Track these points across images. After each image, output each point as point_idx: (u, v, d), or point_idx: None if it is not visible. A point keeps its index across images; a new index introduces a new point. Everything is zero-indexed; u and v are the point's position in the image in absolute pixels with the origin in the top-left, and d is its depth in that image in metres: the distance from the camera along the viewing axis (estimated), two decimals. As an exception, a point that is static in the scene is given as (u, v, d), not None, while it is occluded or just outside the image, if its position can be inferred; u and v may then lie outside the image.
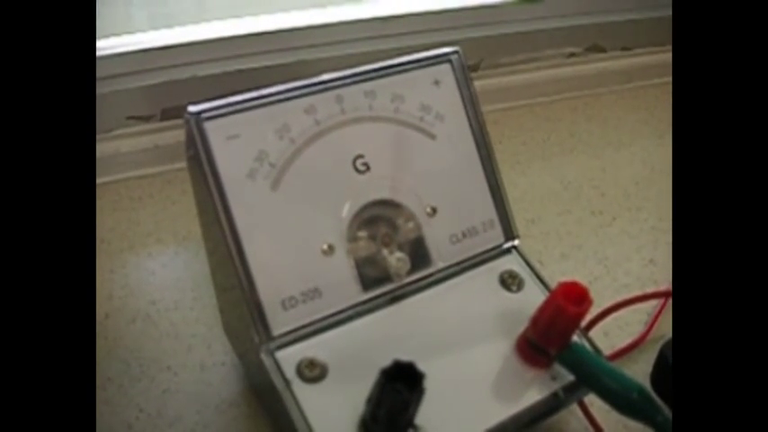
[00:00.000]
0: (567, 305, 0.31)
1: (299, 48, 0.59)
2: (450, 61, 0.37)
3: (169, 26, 0.56)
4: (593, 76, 0.69)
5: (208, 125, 0.32)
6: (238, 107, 0.32)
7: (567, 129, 0.64)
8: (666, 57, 0.73)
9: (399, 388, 0.27)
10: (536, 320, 0.33)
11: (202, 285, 0.46)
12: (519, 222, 0.53)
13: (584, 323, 0.38)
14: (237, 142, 0.32)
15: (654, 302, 0.46)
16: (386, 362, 0.29)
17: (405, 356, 0.30)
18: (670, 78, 0.73)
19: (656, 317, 0.45)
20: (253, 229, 0.32)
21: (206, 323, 0.44)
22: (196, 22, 0.57)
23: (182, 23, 0.57)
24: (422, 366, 0.30)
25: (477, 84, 0.65)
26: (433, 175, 0.36)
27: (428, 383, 0.30)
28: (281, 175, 0.33)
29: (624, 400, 0.32)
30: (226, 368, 0.42)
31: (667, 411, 0.32)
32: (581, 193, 0.57)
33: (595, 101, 0.69)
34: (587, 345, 0.35)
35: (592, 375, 0.33)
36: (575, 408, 0.39)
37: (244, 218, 0.32)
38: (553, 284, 0.35)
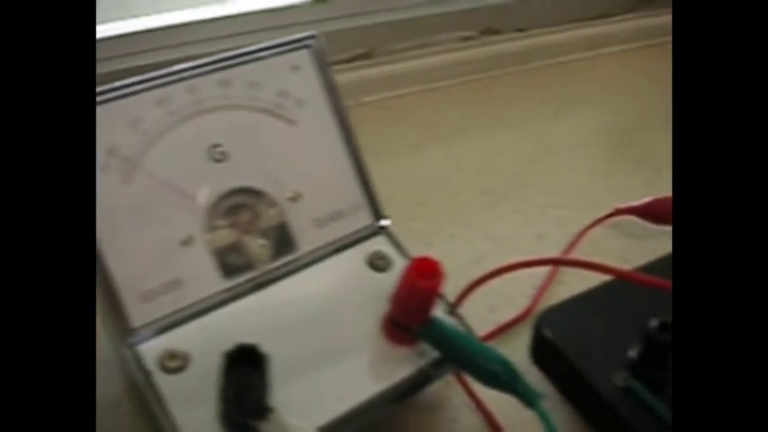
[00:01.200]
0: (419, 280, 0.31)
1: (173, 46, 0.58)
2: (308, 47, 0.37)
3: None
4: (489, 58, 0.70)
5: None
6: (85, 102, 0.32)
7: (463, 112, 0.65)
8: (561, 36, 0.74)
9: (242, 370, 0.27)
10: (395, 298, 0.33)
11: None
12: (410, 205, 0.53)
13: (455, 298, 0.38)
14: (86, 137, 0.32)
15: (541, 276, 0.47)
16: None
17: (269, 343, 0.30)
18: (565, 58, 0.74)
19: (542, 290, 0.46)
20: (107, 223, 0.32)
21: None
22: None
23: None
24: (285, 350, 0.30)
25: (371, 71, 0.66)
26: (295, 161, 0.36)
27: (293, 366, 0.31)
28: (135, 168, 0.33)
29: (486, 372, 0.33)
30: (110, 365, 0.41)
31: (530, 384, 0.32)
32: (473, 173, 0.57)
33: (492, 83, 0.70)
34: (451, 320, 0.35)
35: (453, 350, 0.33)
36: (455, 383, 0.39)
37: (97, 213, 0.31)
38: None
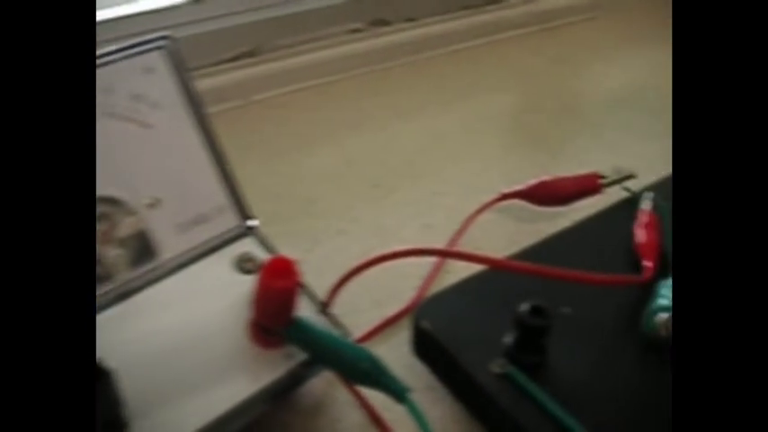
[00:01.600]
0: (273, 281, 0.31)
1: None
2: (161, 47, 0.36)
3: None
4: (379, 50, 0.70)
5: None
6: None
7: (354, 106, 0.64)
8: (453, 24, 0.74)
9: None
10: (255, 301, 0.32)
11: None
12: (300, 203, 0.53)
13: (329, 293, 0.38)
14: None
15: (427, 268, 0.46)
16: (115, 363, 0.28)
17: (132, 355, 0.29)
18: (457, 47, 0.74)
19: (429, 280, 0.46)
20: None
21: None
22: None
23: None
24: (150, 362, 0.29)
25: (259, 69, 0.65)
26: (153, 166, 0.35)
27: (156, 378, 0.30)
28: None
29: (354, 370, 0.32)
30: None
31: (398, 379, 0.32)
32: (364, 167, 0.57)
33: (384, 75, 0.69)
34: (322, 319, 0.35)
35: (320, 349, 0.33)
36: (339, 382, 0.39)
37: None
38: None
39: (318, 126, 0.62)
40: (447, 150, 0.59)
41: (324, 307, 0.36)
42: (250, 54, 0.63)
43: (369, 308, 0.44)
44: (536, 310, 0.35)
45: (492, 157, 0.59)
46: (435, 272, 0.46)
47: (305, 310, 0.35)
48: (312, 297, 0.36)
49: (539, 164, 0.58)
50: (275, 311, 0.32)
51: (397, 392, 0.32)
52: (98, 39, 0.56)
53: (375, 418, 0.38)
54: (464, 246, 0.49)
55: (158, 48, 0.36)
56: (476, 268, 0.41)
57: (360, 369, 0.32)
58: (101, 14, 0.55)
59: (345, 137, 0.60)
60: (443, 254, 0.40)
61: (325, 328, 0.34)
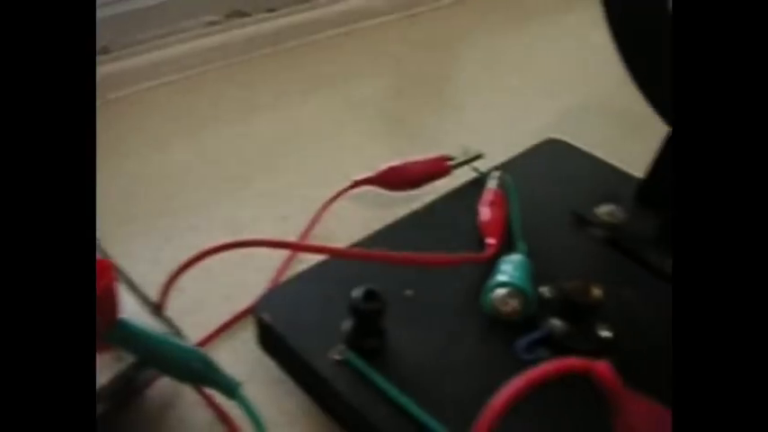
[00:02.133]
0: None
1: None
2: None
3: None
4: (238, 42, 0.69)
5: None
6: None
7: (211, 100, 0.63)
8: (311, 14, 0.73)
9: None
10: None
11: None
12: (154, 202, 0.51)
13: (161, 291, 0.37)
14: None
15: (280, 259, 0.46)
16: None
17: None
18: (318, 36, 0.74)
19: (280, 272, 0.46)
20: None
21: None
22: None
23: None
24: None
25: (112, 66, 0.63)
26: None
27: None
28: None
29: (182, 369, 0.32)
30: None
31: (228, 375, 0.32)
32: (220, 161, 0.56)
33: (243, 67, 0.68)
34: (151, 320, 0.34)
35: (146, 351, 0.32)
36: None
37: None
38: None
39: (174, 122, 0.61)
40: (306, 140, 0.59)
41: (156, 307, 0.35)
42: (103, 51, 0.62)
43: (218, 303, 0.43)
44: (369, 295, 0.35)
45: (352, 145, 0.59)
46: (286, 264, 0.46)
47: (137, 312, 0.34)
48: (144, 298, 0.35)
49: (398, 150, 0.58)
50: (101, 312, 0.31)
51: (228, 388, 0.31)
52: None
53: (221, 415, 0.37)
54: (319, 235, 0.49)
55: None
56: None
57: (188, 368, 0.31)
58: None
59: (201, 132, 0.59)
60: (267, 244, 0.39)
61: (150, 329, 0.33)
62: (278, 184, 0.54)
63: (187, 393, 0.38)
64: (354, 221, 0.50)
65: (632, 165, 0.49)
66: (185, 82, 0.65)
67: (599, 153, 0.52)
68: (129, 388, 0.33)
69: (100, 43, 0.62)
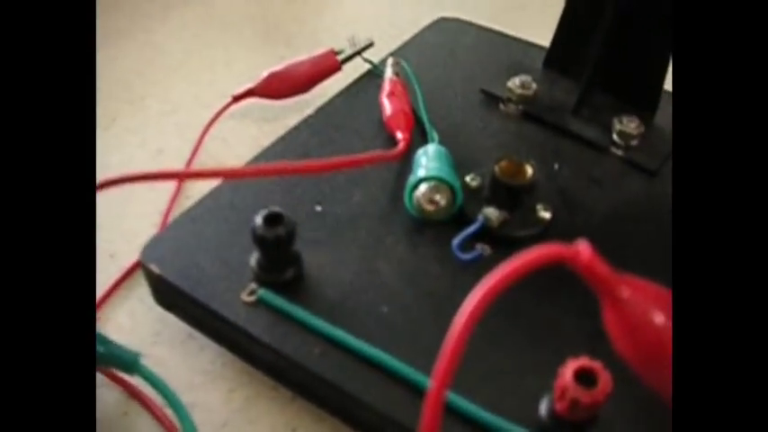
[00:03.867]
0: None
1: None
2: None
3: None
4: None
5: None
6: None
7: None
8: None
9: None
10: None
11: None
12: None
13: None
14: None
15: (165, 196, 0.40)
16: None
17: None
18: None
19: (166, 215, 0.39)
20: None
21: None
22: None
23: None
24: None
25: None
26: None
27: None
28: None
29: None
30: None
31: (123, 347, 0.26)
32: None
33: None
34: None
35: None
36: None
37: None
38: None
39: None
40: (168, 65, 0.52)
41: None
42: None
43: (103, 261, 0.37)
44: (273, 218, 0.29)
45: (218, 61, 0.52)
46: (172, 203, 0.40)
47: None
48: None
49: (276, 56, 0.51)
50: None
51: (126, 364, 0.25)
52: None
53: (131, 391, 0.32)
54: (204, 163, 0.43)
55: None
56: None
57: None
58: None
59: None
60: (143, 178, 0.31)
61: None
62: (146, 115, 0.47)
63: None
64: (241, 141, 0.44)
65: (529, 35, 0.45)
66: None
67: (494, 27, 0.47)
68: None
69: None
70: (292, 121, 0.41)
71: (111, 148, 0.44)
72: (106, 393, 0.32)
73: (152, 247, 0.32)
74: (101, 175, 0.41)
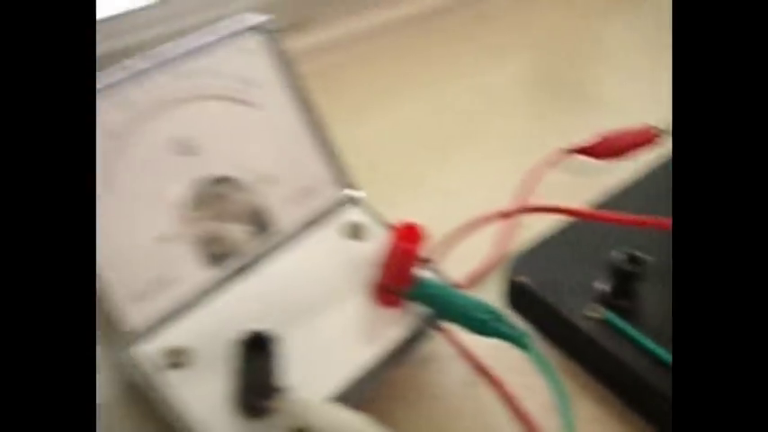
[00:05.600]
0: (404, 244, 0.33)
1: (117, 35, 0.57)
2: (261, 30, 0.38)
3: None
4: (415, 15, 0.71)
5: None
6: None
7: (397, 71, 0.66)
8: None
9: (255, 354, 0.29)
10: (383, 264, 0.34)
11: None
12: (362, 169, 0.54)
13: (434, 255, 0.40)
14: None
15: (503, 225, 0.49)
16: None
17: (264, 324, 0.31)
18: (495, 4, 0.75)
19: (505, 238, 0.48)
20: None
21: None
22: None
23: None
24: (283, 330, 0.31)
25: (306, 41, 0.66)
26: (262, 143, 0.37)
27: (292, 344, 0.32)
28: (111, 174, 0.33)
29: (476, 322, 0.34)
30: (103, 374, 0.41)
31: (519, 326, 0.34)
32: (418, 131, 0.59)
33: (424, 39, 0.70)
34: (436, 277, 0.37)
35: (442, 305, 0.35)
36: (440, 336, 0.41)
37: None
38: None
39: (365, 93, 0.63)
40: (494, 111, 0.61)
41: (433, 265, 0.38)
42: (297, 26, 0.65)
43: (452, 265, 0.46)
44: (631, 258, 0.37)
45: (535, 115, 0.61)
46: (511, 228, 0.48)
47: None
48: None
49: (580, 118, 0.59)
50: (402, 271, 0.34)
51: (517, 339, 0.34)
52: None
53: (479, 367, 0.40)
54: (532, 202, 0.51)
55: (258, 30, 0.38)
56: (546, 222, 0.43)
57: (481, 320, 0.34)
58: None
59: (393, 102, 0.62)
60: (550, 210, 0.42)
61: (444, 285, 0.36)
62: (478, 153, 0.56)
63: (441, 347, 0.41)
64: (562, 189, 0.52)
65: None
66: (370, 55, 0.68)
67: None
68: (414, 343, 0.36)
69: (294, 19, 0.65)
70: (607, 180, 0.48)
71: (450, 176, 0.54)
72: (456, 365, 0.41)
73: (519, 262, 0.41)
74: (445, 198, 0.51)
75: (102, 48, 0.55)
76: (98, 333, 0.35)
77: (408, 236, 0.33)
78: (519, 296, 0.41)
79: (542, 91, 0.64)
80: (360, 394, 0.33)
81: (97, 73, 0.33)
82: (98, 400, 0.38)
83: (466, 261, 0.46)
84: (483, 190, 0.52)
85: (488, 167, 0.55)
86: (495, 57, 0.68)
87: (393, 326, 0.35)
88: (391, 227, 0.34)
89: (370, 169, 0.54)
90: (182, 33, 0.37)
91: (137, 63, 0.34)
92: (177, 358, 0.32)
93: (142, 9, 0.57)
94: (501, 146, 0.57)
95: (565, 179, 0.53)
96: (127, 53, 0.53)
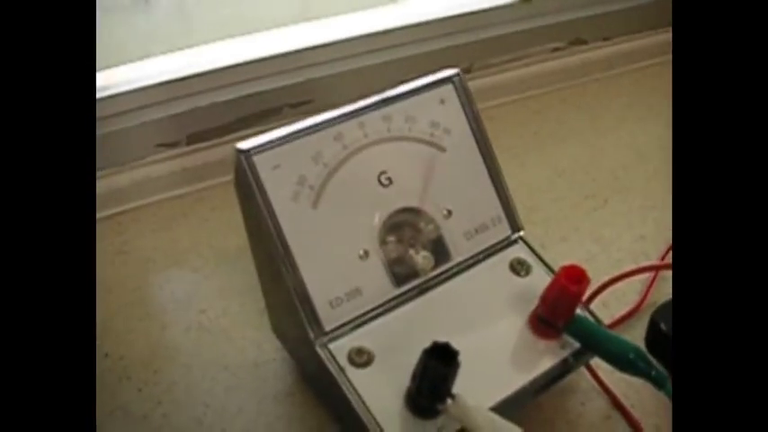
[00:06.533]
0: (569, 284, 0.37)
1: (305, 67, 0.64)
2: (452, 82, 0.43)
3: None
4: (577, 67, 0.75)
5: (256, 159, 0.38)
6: (279, 141, 0.38)
7: (556, 119, 0.70)
8: (644, 42, 0.79)
9: (439, 364, 0.34)
10: (544, 299, 0.39)
11: (245, 293, 0.51)
12: (520, 211, 0.59)
13: (585, 298, 0.44)
14: (280, 171, 0.38)
15: (647, 275, 0.52)
16: (419, 344, 0.35)
17: (436, 338, 0.36)
18: (649, 62, 0.79)
19: (649, 287, 0.51)
20: (300, 243, 0.38)
21: (254, 326, 0.49)
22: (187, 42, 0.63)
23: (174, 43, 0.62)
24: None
25: (472, 84, 0.71)
26: (447, 182, 0.42)
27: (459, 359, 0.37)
28: (319, 195, 0.39)
29: (623, 360, 0.38)
30: (277, 363, 0.47)
31: (660, 368, 0.38)
32: (573, 178, 0.63)
33: (581, 90, 0.75)
34: (589, 316, 0.41)
35: (595, 341, 0.39)
36: (584, 371, 0.45)
37: (292, 234, 0.38)
38: (556, 267, 0.41)
39: (525, 138, 0.68)
40: (648, 165, 0.64)
41: (586, 305, 0.42)
42: (466, 71, 0.70)
43: (598, 309, 0.50)
44: None
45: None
46: (654, 280, 0.52)
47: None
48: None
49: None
50: (564, 309, 0.38)
51: (659, 380, 0.37)
52: (376, 47, 0.64)
53: (616, 403, 0.44)
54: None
55: (450, 82, 0.43)
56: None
57: (626, 359, 0.38)
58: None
59: (552, 149, 0.66)
60: None
61: (597, 325, 0.40)
62: (631, 205, 0.60)
63: (584, 381, 0.45)
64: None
65: None
66: (530, 101, 0.73)
67: None
68: (565, 373, 0.40)
69: (463, 65, 0.70)
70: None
71: (602, 224, 0.58)
72: (596, 398, 0.45)
73: (661, 310, 0.44)
74: (597, 246, 0.55)
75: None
76: (283, 327, 0.41)
77: (574, 277, 0.38)
78: (656, 339, 0.44)
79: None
80: (510, 412, 0.37)
81: (317, 114, 0.40)
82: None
83: (612, 308, 0.50)
84: (628, 240, 0.56)
85: (635, 220, 0.58)
86: (650, 112, 0.71)
87: (547, 355, 0.39)
88: (560, 267, 0.39)
89: (528, 211, 0.59)
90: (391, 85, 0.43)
91: (352, 105, 0.40)
92: (360, 358, 0.38)
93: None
94: (649, 201, 0.60)
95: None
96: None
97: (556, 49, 0.75)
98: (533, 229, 0.56)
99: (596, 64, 0.76)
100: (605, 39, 0.77)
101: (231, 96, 0.62)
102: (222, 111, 0.62)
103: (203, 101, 0.61)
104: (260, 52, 0.62)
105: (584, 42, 0.76)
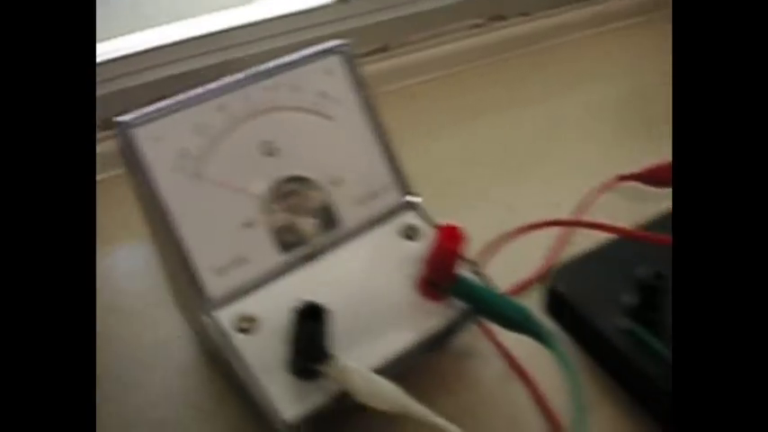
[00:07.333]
0: (445, 242, 0.38)
1: (222, 49, 0.65)
2: (338, 53, 0.43)
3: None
4: (497, 43, 0.76)
5: (136, 132, 0.38)
6: (160, 113, 0.39)
7: (476, 95, 0.71)
8: (563, 17, 0.79)
9: (307, 321, 0.34)
10: (428, 261, 0.40)
11: (156, 275, 0.51)
12: (438, 183, 0.59)
13: (479, 259, 0.45)
14: (162, 143, 0.38)
15: (555, 237, 0.53)
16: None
17: (322, 302, 0.36)
18: (568, 38, 0.79)
19: (556, 250, 0.52)
20: (183, 213, 0.38)
21: (164, 306, 0.49)
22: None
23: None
24: (337, 309, 0.36)
25: (389, 62, 0.72)
26: (335, 151, 0.42)
27: (344, 322, 0.37)
28: (202, 166, 0.39)
29: (507, 318, 0.39)
30: (182, 340, 0.48)
31: (547, 326, 0.39)
32: (491, 150, 0.63)
33: (502, 66, 0.75)
34: (477, 278, 0.42)
35: (480, 302, 0.40)
36: (481, 334, 0.46)
37: (175, 205, 0.38)
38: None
39: (445, 113, 0.68)
40: (564, 136, 0.65)
41: (476, 267, 0.42)
42: (383, 49, 0.71)
43: (503, 272, 0.50)
44: (657, 275, 0.41)
45: (604, 142, 0.64)
46: (561, 244, 0.53)
47: (461, 270, 0.41)
48: (468, 259, 0.42)
49: (647, 149, 0.63)
50: (446, 269, 0.39)
51: (545, 338, 0.38)
52: (284, 29, 0.64)
53: (514, 365, 0.45)
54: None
55: (337, 53, 0.43)
56: (594, 241, 0.48)
57: (514, 318, 0.39)
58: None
59: (470, 123, 0.67)
60: (589, 225, 0.49)
61: (483, 285, 0.41)
62: (546, 173, 0.60)
63: (482, 344, 0.46)
64: (617, 212, 0.56)
65: None
66: (450, 79, 0.73)
67: None
68: (451, 333, 0.41)
69: (379, 43, 0.71)
70: (661, 207, 0.52)
71: (516, 193, 0.58)
72: (494, 363, 0.45)
73: (559, 272, 0.45)
74: (509, 214, 0.55)
75: (207, 60, 0.62)
76: (181, 300, 0.42)
77: (450, 236, 0.38)
78: (556, 304, 0.45)
79: (615, 120, 0.68)
80: (398, 369, 0.38)
81: (201, 82, 0.40)
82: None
83: (518, 271, 0.51)
84: (541, 207, 0.57)
85: (549, 188, 0.59)
86: (568, 85, 0.72)
87: (433, 316, 0.40)
88: (436, 227, 0.39)
89: (446, 183, 0.59)
90: (275, 53, 0.43)
91: (235, 76, 0.41)
92: (246, 324, 0.38)
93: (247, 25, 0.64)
94: (564, 169, 0.61)
95: (621, 204, 0.57)
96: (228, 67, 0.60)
97: (475, 26, 0.75)
98: (449, 201, 0.57)
99: (516, 40, 0.77)
100: (524, 14, 0.78)
101: (144, 80, 0.62)
102: (135, 95, 0.61)
103: (116, 86, 0.61)
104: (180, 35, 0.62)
105: (504, 18, 0.77)
